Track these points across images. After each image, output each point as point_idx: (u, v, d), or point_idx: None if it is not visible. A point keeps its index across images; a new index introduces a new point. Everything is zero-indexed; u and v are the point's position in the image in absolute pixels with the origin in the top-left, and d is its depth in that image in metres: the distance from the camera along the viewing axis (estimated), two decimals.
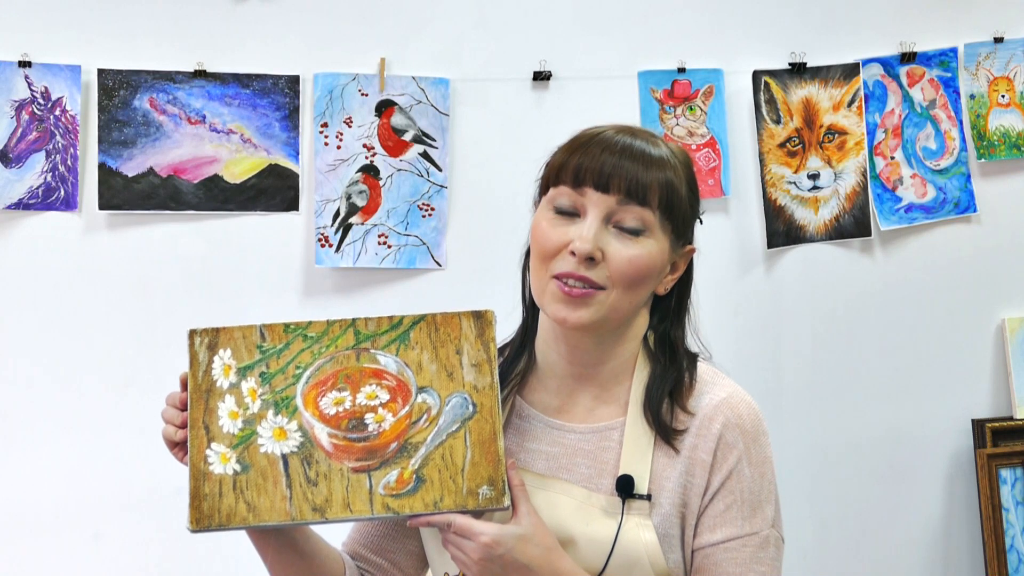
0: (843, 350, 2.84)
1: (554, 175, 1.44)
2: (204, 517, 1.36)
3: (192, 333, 1.41)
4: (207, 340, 1.41)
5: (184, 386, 1.41)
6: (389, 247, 2.64)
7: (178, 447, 1.42)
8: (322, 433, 1.38)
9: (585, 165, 1.41)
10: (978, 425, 2.85)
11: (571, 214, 1.42)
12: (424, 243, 2.66)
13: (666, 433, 1.44)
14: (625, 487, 1.41)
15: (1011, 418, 2.87)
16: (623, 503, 1.41)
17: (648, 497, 1.41)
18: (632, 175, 1.40)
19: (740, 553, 1.42)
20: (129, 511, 2.55)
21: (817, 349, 2.83)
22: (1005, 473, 2.84)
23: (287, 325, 1.42)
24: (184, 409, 1.40)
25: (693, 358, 1.51)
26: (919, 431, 2.87)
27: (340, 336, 1.41)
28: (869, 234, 2.83)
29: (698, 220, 1.51)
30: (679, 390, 1.46)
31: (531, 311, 1.55)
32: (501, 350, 1.56)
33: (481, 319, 1.42)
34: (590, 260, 1.39)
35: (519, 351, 1.54)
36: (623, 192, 1.40)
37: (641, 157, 1.41)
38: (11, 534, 2.51)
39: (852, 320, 2.84)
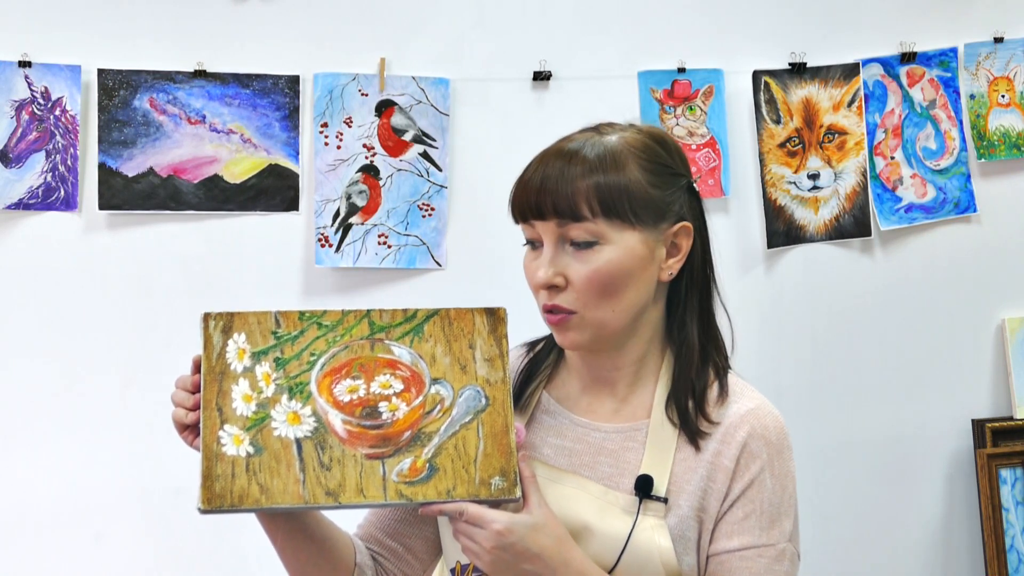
0: (843, 350, 2.84)
1: (511, 214, 1.46)
2: (216, 497, 1.35)
3: (206, 316, 1.41)
4: (221, 324, 1.41)
5: (196, 369, 1.40)
6: (389, 247, 2.64)
7: (188, 430, 1.40)
8: (336, 419, 1.38)
9: (518, 199, 1.43)
10: (978, 425, 2.85)
11: (537, 244, 1.44)
12: (424, 243, 2.66)
13: (691, 430, 1.43)
14: (643, 487, 1.41)
15: (1011, 418, 2.87)
16: (639, 502, 1.41)
17: (665, 500, 1.41)
18: (554, 195, 1.39)
19: (755, 563, 1.41)
20: (129, 511, 2.55)
21: (817, 349, 2.83)
22: (1005, 473, 2.84)
23: (302, 313, 1.42)
24: (195, 392, 1.39)
25: (723, 368, 1.49)
26: (919, 431, 2.87)
27: (355, 326, 1.42)
28: (869, 234, 2.84)
29: (682, 191, 1.46)
30: (703, 393, 1.45)
31: None
32: (534, 344, 1.59)
33: (494, 316, 1.44)
34: (554, 288, 1.41)
35: (551, 345, 1.56)
36: (556, 214, 1.40)
37: (562, 174, 1.40)
38: (11, 534, 2.51)
39: (852, 320, 2.85)
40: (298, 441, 1.37)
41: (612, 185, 1.40)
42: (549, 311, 1.43)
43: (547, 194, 1.40)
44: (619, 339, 1.46)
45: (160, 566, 2.56)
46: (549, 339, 1.57)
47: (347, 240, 2.63)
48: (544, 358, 1.56)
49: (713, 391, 1.47)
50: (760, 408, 1.46)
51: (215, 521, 1.49)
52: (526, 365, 1.56)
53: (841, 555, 2.82)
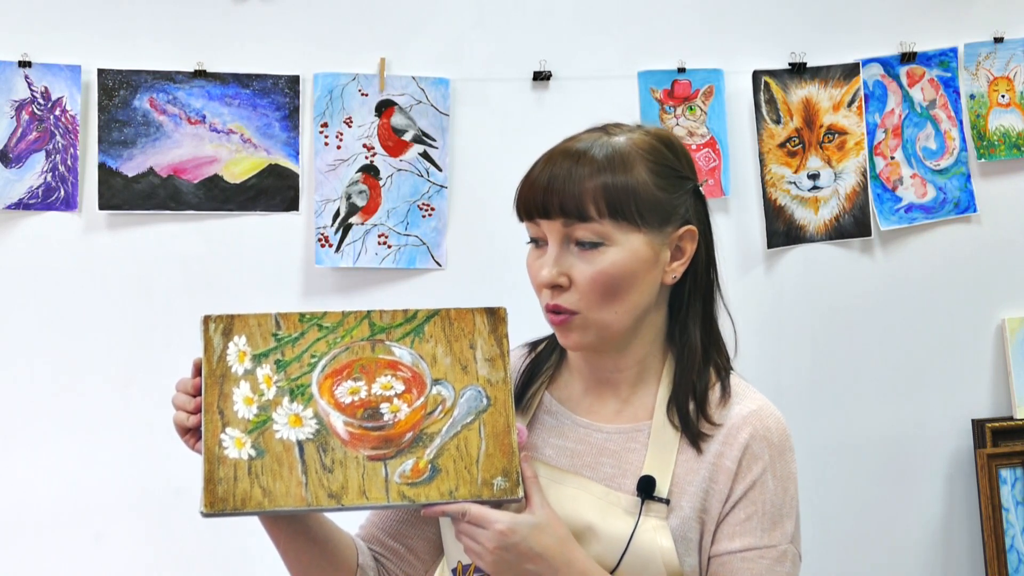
0: (843, 350, 2.84)
1: (516, 212, 1.46)
2: (218, 500, 1.34)
3: (206, 319, 1.41)
4: (222, 326, 1.40)
5: (196, 372, 1.40)
6: (389, 247, 2.64)
7: (189, 433, 1.40)
8: (337, 421, 1.38)
9: (525, 198, 1.43)
10: (978, 425, 2.85)
11: (542, 243, 1.44)
12: (424, 243, 2.66)
13: (692, 433, 1.43)
14: (646, 488, 1.41)
15: (1011, 418, 2.87)
16: (641, 503, 1.41)
17: (667, 501, 1.41)
18: (561, 195, 1.39)
19: (757, 564, 1.41)
20: (129, 511, 2.55)
21: (817, 349, 2.83)
22: (1005, 473, 2.84)
23: (302, 315, 1.42)
24: (196, 395, 1.39)
25: (725, 370, 1.49)
26: (919, 431, 2.87)
27: (355, 327, 1.42)
28: (869, 234, 2.84)
29: (688, 194, 1.46)
30: (705, 395, 1.45)
31: None
32: (535, 344, 1.58)
33: (494, 315, 1.44)
34: (557, 287, 1.41)
35: (553, 346, 1.56)
36: (562, 214, 1.39)
37: (569, 174, 1.40)
38: (11, 534, 2.51)
39: (852, 320, 2.85)
40: (300, 443, 1.37)
41: (619, 186, 1.40)
42: (552, 311, 1.42)
43: (554, 193, 1.39)
44: (621, 340, 1.46)
45: (160, 566, 2.56)
46: (551, 339, 1.56)
47: (347, 240, 2.63)
48: (546, 359, 1.56)
49: (715, 393, 1.47)
50: (762, 409, 1.45)
51: (216, 522, 1.48)
52: (528, 365, 1.56)
53: (841, 555, 2.82)
